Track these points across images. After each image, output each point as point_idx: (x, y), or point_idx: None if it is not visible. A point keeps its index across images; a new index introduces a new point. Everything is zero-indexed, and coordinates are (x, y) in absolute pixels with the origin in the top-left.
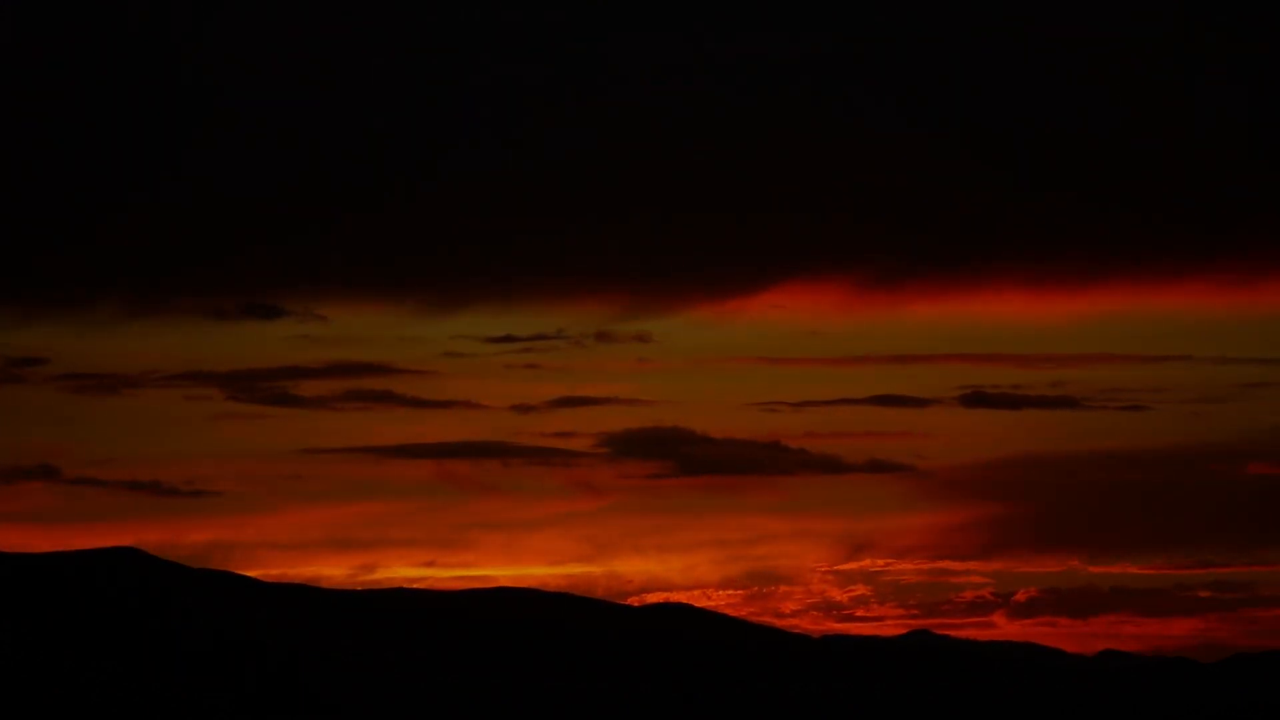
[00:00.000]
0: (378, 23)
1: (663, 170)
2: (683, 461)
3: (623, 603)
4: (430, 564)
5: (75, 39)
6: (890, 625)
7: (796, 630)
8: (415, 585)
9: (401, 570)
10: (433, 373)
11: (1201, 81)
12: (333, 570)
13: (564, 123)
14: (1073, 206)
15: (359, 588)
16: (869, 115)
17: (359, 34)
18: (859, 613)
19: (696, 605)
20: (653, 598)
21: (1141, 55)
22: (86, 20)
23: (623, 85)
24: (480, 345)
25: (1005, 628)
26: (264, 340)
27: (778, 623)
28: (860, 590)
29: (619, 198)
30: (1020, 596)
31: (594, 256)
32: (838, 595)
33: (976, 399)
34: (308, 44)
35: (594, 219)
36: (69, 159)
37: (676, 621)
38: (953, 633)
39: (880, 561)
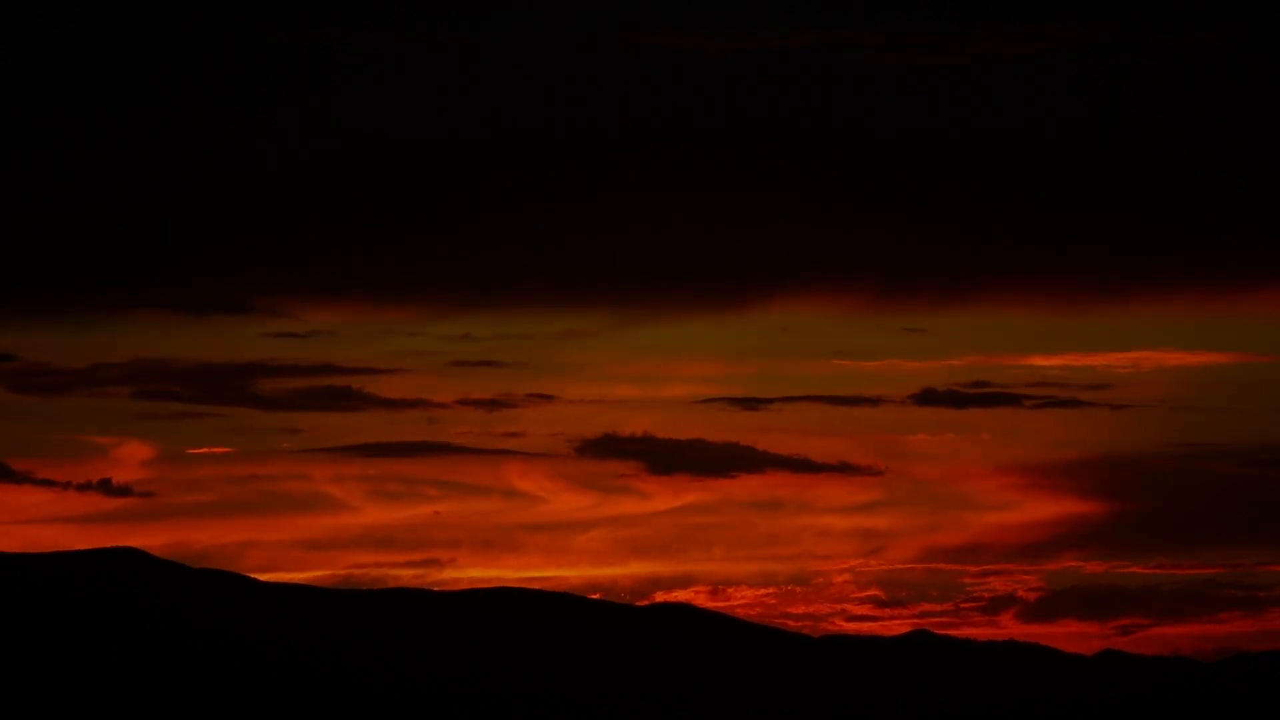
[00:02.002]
0: (370, 24)
1: (641, 174)
2: (651, 462)
3: (621, 602)
4: (417, 564)
5: (52, 36)
6: (890, 625)
7: (802, 630)
8: (395, 586)
9: (378, 570)
10: (395, 370)
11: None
12: (302, 574)
13: (542, 124)
14: (1057, 211)
15: (335, 586)
16: (865, 116)
17: (350, 34)
18: (861, 612)
19: (697, 605)
20: (656, 597)
21: (1142, 54)
22: (69, 17)
23: (615, 85)
24: (444, 344)
25: (1005, 628)
26: (228, 337)
27: (789, 624)
28: (870, 591)
29: (598, 201)
30: (1020, 596)
31: (565, 260)
32: (853, 593)
33: (943, 399)
34: (297, 43)
35: (567, 223)
36: (39, 156)
37: (677, 621)
38: (953, 632)
39: (875, 561)
